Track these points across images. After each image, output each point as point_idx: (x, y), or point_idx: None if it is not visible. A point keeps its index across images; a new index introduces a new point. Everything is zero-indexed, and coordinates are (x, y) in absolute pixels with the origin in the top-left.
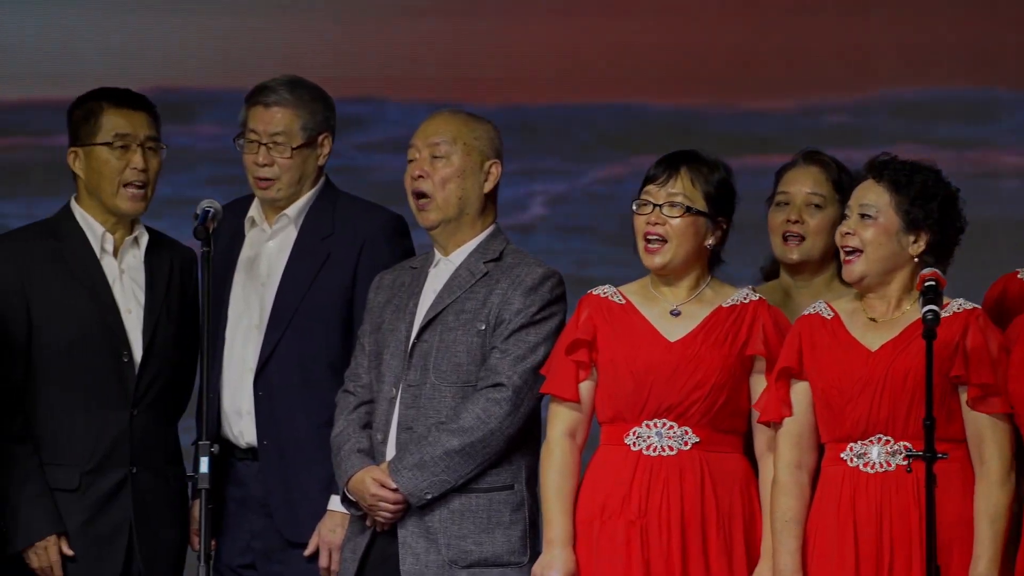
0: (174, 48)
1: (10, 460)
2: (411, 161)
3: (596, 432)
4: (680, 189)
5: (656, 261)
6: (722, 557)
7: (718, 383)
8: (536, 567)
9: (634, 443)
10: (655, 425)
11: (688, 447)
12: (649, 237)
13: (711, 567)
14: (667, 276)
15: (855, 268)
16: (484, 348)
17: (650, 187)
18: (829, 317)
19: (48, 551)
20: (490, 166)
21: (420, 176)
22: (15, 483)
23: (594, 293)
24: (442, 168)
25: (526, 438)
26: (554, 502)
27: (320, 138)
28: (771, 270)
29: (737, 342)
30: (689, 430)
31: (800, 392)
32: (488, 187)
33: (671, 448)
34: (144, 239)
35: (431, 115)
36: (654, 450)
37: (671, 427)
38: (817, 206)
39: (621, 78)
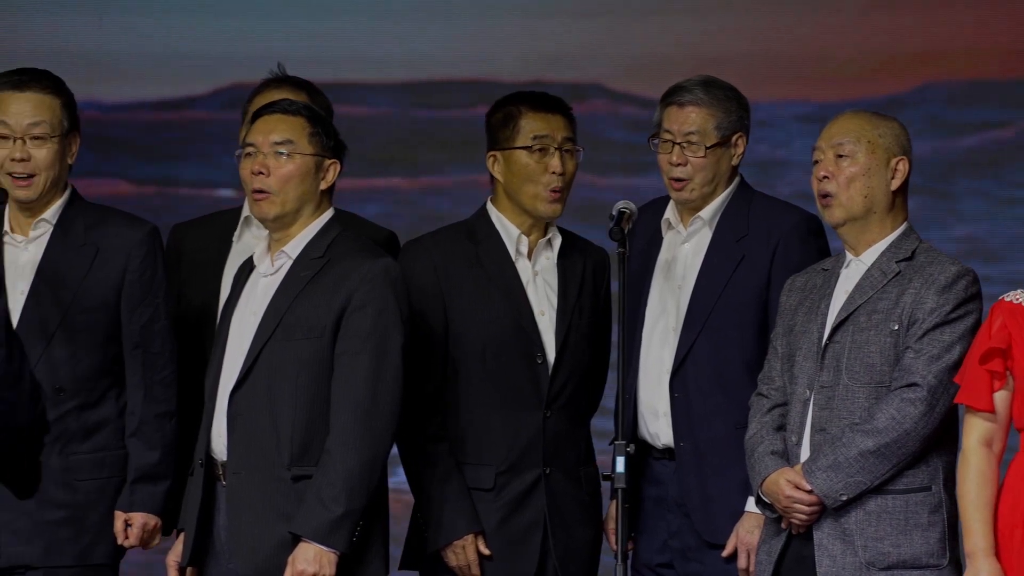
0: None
1: (429, 460)
2: (816, 162)
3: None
4: None
5: None
6: None
7: None
8: None
9: None
10: None
11: None
12: None
13: None
14: None
15: None
16: (897, 348)
17: None
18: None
19: (466, 550)
20: (897, 163)
21: (825, 176)
22: (434, 482)
23: (1006, 299)
24: (847, 167)
25: (943, 439)
26: (973, 512)
27: (734, 138)
28: None
29: None
30: None
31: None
32: (895, 184)
33: None
34: (557, 241)
35: (836, 116)
36: None
37: None
38: None
39: None
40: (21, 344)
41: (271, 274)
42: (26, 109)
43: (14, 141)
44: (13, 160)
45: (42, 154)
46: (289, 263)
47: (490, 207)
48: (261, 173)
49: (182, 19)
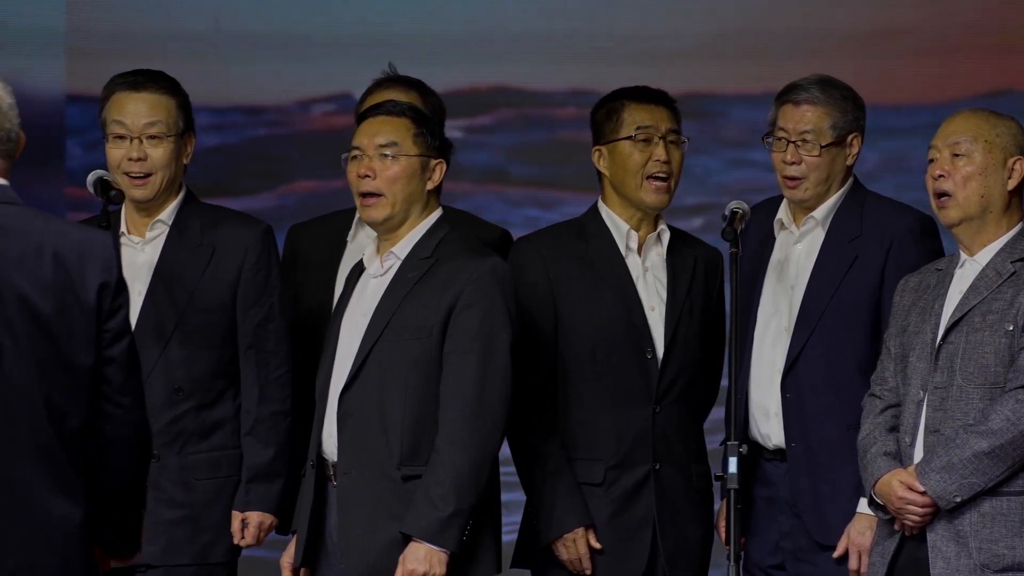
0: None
1: (540, 455)
2: (931, 161)
3: None
4: None
5: None
6: None
7: None
8: None
9: None
10: None
11: None
12: None
13: None
14: None
15: None
16: (1012, 349)
17: None
18: None
19: (577, 543)
20: (1014, 163)
21: (941, 175)
22: (545, 478)
23: None
24: (963, 167)
25: None
26: None
27: (849, 138)
28: None
29: None
30: None
31: None
32: (1012, 184)
33: None
34: (666, 236)
35: (952, 114)
36: None
37: None
38: None
39: None
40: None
41: (380, 275)
42: (142, 109)
43: (131, 141)
44: (130, 160)
45: (158, 154)
46: (398, 264)
47: (600, 204)
48: (367, 176)
49: None
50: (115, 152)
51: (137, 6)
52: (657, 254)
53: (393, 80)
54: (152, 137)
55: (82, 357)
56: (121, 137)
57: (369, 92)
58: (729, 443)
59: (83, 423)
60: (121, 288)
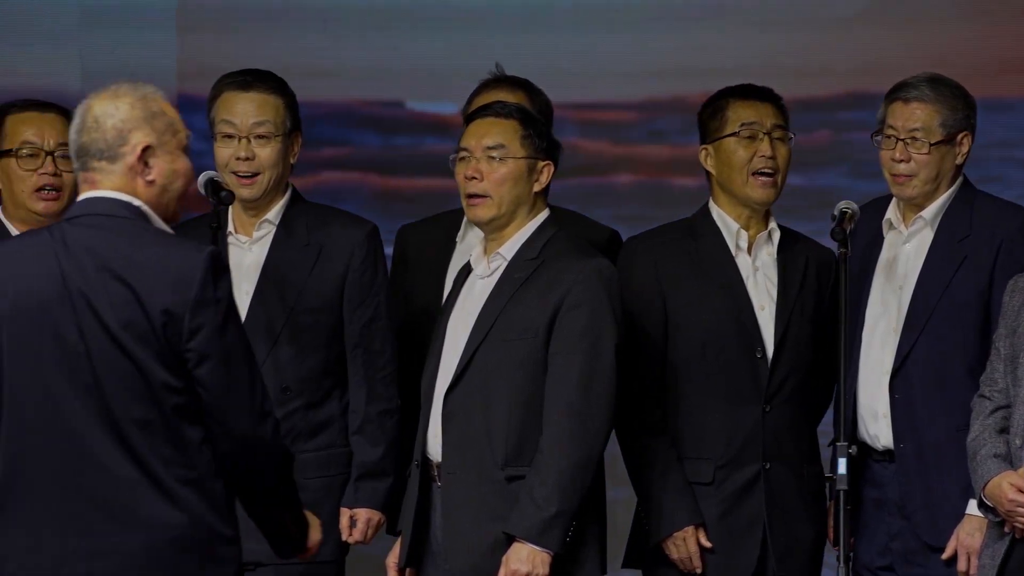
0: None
1: (650, 453)
2: None
3: None
4: None
5: None
6: None
7: None
8: None
9: None
10: None
11: None
12: None
13: None
14: None
15: None
16: None
17: None
18: None
19: (687, 542)
20: None
21: None
22: (656, 475)
23: None
24: None
25: None
26: None
27: (959, 136)
28: None
29: None
30: None
31: None
32: None
33: None
34: (777, 236)
35: None
36: None
37: None
38: None
39: None
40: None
41: (487, 276)
42: (251, 109)
43: (239, 140)
44: (238, 159)
45: (266, 153)
46: (504, 265)
47: (710, 203)
48: (475, 178)
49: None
50: (223, 151)
51: None
52: (768, 253)
53: (500, 80)
54: (260, 136)
55: (159, 373)
56: (229, 136)
57: (477, 93)
58: (838, 444)
59: (173, 437)
60: (201, 306)
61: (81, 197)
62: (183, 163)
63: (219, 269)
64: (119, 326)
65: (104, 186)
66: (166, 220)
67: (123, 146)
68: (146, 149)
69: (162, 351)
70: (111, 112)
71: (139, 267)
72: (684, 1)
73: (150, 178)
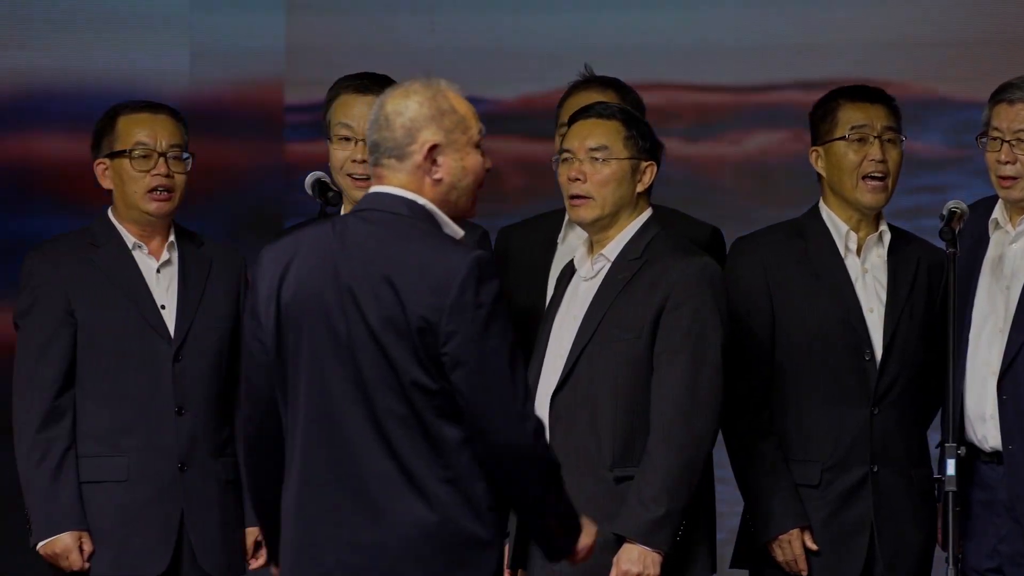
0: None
1: (757, 454)
2: None
3: None
4: None
5: None
6: None
7: None
8: None
9: None
10: None
11: None
12: None
13: None
14: None
15: None
16: None
17: None
18: None
19: (792, 544)
20: None
21: None
22: (762, 477)
23: None
24: None
25: None
26: None
27: None
28: None
29: None
30: None
31: None
32: None
33: None
34: (887, 237)
35: None
36: None
37: None
38: None
39: None
40: None
41: (591, 277)
42: (368, 112)
43: (355, 143)
44: (354, 162)
45: None
46: (608, 265)
47: (820, 205)
48: (578, 179)
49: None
50: (340, 153)
51: None
52: (877, 255)
53: (590, 81)
54: None
55: (415, 374)
56: (347, 139)
57: (568, 94)
58: (947, 445)
59: (431, 435)
60: (457, 311)
61: (370, 191)
62: (473, 160)
63: (485, 274)
64: (380, 324)
65: (390, 182)
66: (459, 216)
67: (411, 144)
68: (434, 148)
69: (419, 353)
70: (401, 110)
71: (404, 268)
72: None
73: (437, 176)
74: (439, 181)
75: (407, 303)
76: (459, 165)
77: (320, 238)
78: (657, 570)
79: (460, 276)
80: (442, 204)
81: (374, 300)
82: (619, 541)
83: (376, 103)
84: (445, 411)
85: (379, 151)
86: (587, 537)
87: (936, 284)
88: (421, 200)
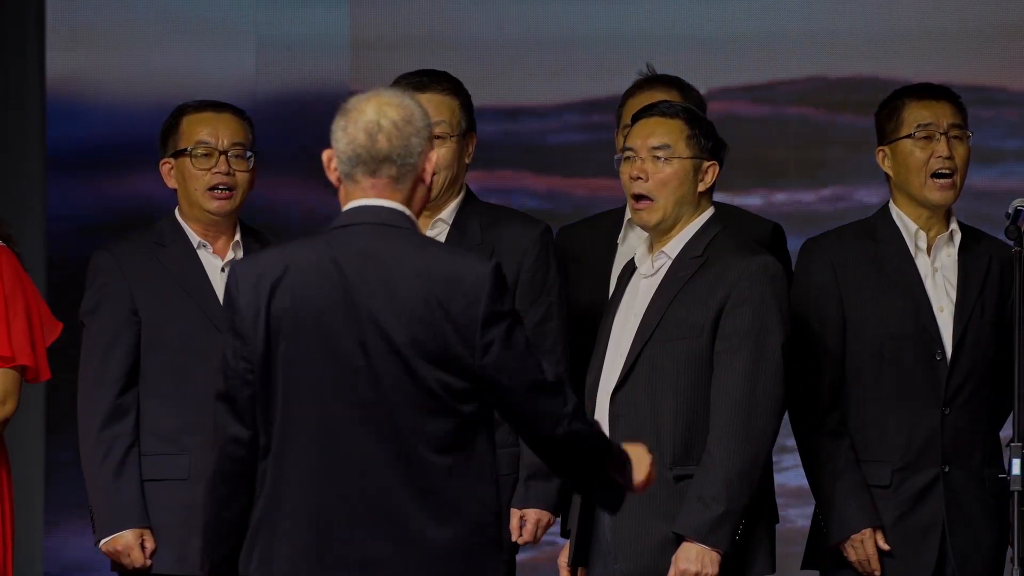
0: None
1: (828, 455)
2: None
3: None
4: None
5: None
6: None
7: None
8: None
9: None
10: None
11: None
12: None
13: None
14: None
15: None
16: None
17: None
18: None
19: (865, 544)
20: None
21: None
22: (834, 478)
23: None
24: None
25: None
26: None
27: None
28: None
29: None
30: None
31: None
32: None
33: None
34: (958, 236)
35: None
36: None
37: None
38: None
39: None
40: None
41: (651, 275)
42: (428, 110)
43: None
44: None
45: (441, 154)
46: (668, 263)
47: (890, 204)
48: (640, 178)
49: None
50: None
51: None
52: (947, 254)
53: (652, 80)
54: (436, 137)
55: (446, 385)
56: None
57: (630, 94)
58: (1012, 444)
59: (462, 447)
60: (492, 321)
61: (351, 205)
62: (436, 156)
63: (503, 282)
64: (406, 341)
65: (369, 195)
66: (420, 213)
67: (408, 157)
68: (424, 154)
69: (451, 365)
70: (381, 123)
71: (429, 281)
72: None
73: (424, 181)
74: (421, 185)
75: (440, 317)
76: (434, 166)
77: (314, 253)
78: (716, 569)
79: (488, 285)
80: (416, 206)
81: (395, 317)
82: (678, 540)
83: (349, 116)
84: (476, 420)
85: (358, 163)
86: (641, 469)
87: (1009, 282)
88: (400, 207)
